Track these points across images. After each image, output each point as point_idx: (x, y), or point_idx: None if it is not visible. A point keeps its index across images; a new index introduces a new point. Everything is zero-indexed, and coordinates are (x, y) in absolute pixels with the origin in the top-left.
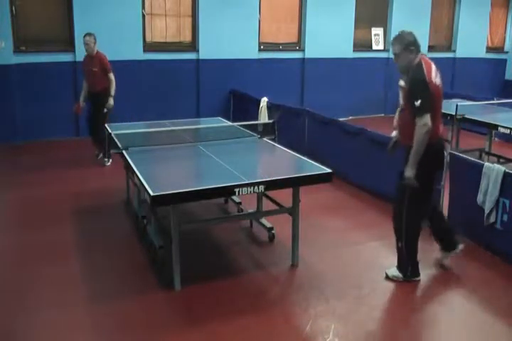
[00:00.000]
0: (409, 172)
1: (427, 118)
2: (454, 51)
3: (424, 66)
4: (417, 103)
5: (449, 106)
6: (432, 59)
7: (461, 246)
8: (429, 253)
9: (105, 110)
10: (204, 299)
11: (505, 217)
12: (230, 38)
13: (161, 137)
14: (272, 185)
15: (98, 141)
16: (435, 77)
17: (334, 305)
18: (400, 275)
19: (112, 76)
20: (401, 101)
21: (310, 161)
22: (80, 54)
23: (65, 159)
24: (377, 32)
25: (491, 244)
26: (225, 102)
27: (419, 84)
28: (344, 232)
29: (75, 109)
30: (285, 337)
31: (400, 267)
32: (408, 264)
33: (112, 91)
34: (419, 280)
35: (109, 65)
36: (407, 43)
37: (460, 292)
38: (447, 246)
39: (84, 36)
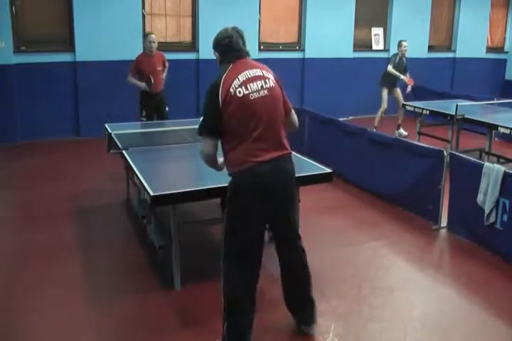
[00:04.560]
0: None
1: (204, 143)
2: (454, 51)
3: (227, 73)
4: (200, 120)
5: (449, 106)
6: (432, 59)
7: (311, 330)
8: (428, 252)
9: (167, 108)
10: (204, 299)
11: (505, 217)
12: None
13: (161, 137)
14: None
15: None
16: (240, 85)
17: (334, 305)
18: None
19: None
20: None
21: (310, 161)
22: (80, 54)
23: (65, 159)
24: (377, 32)
25: (491, 244)
26: None
27: (205, 97)
28: (344, 232)
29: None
30: (285, 337)
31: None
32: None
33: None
34: None
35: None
36: (213, 43)
37: (460, 292)
38: (302, 320)
39: (150, 34)
